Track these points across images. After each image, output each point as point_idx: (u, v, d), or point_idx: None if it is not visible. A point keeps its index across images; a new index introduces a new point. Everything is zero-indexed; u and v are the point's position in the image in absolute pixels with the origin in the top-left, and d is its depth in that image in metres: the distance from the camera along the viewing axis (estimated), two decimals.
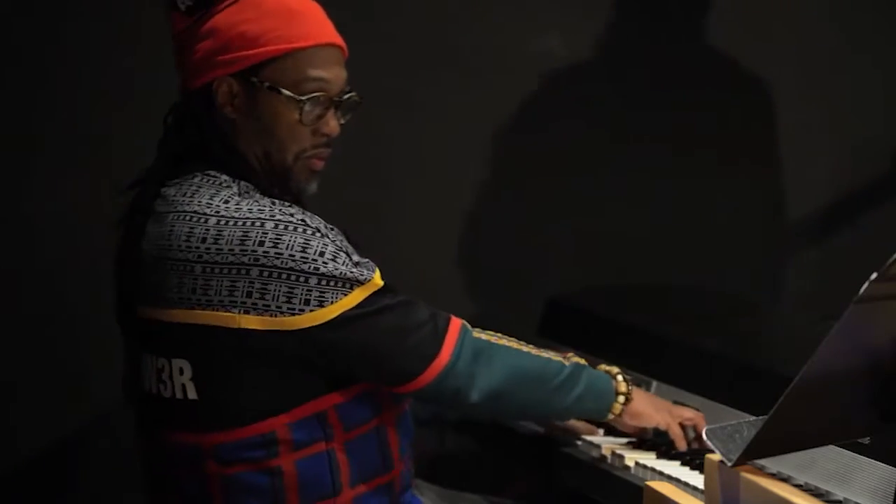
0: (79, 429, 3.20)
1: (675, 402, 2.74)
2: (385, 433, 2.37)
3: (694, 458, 2.57)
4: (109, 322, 3.17)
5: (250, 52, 2.33)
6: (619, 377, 2.54)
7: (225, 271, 2.24)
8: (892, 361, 1.86)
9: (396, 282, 2.37)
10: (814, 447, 2.16)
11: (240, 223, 2.25)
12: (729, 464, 1.91)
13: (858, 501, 2.23)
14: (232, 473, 2.31)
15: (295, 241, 2.24)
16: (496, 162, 3.67)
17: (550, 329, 3.13)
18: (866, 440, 2.23)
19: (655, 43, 3.75)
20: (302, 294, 2.24)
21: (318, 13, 2.41)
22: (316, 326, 2.25)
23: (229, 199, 2.29)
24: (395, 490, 2.40)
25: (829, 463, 2.26)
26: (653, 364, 2.83)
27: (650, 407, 2.58)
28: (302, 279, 2.24)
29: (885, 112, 3.90)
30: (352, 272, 2.26)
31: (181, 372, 2.30)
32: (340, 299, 2.25)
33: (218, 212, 2.27)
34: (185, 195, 2.32)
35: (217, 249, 2.25)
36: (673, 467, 2.55)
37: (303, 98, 2.34)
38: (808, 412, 1.88)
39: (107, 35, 3.14)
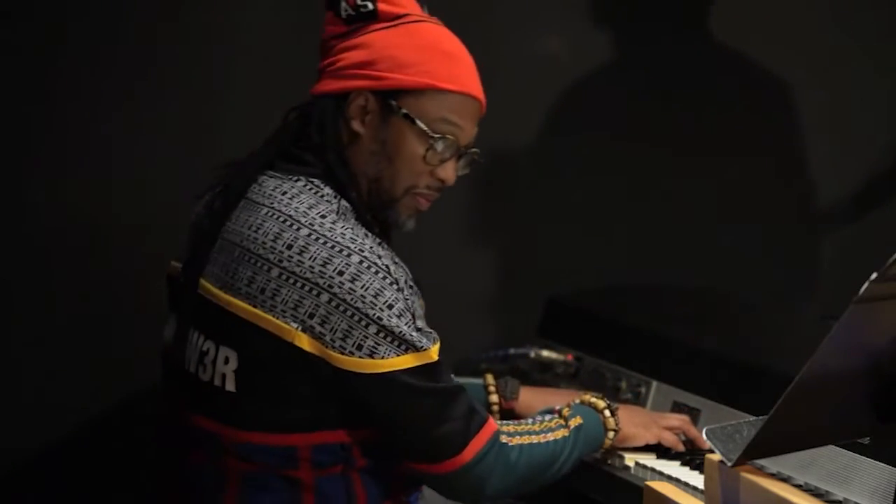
0: (79, 430, 3.20)
1: (675, 403, 2.75)
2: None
3: (694, 458, 2.57)
4: (110, 323, 3.18)
5: (397, 75, 2.34)
6: (606, 412, 2.53)
7: (298, 284, 2.23)
8: (892, 361, 1.87)
9: None
10: (814, 447, 2.16)
11: (328, 245, 2.25)
12: (729, 464, 1.92)
13: (858, 501, 2.23)
14: (250, 470, 2.31)
15: (371, 284, 2.23)
16: (495, 161, 3.67)
17: (550, 329, 3.13)
18: (866, 440, 2.23)
19: (656, 43, 3.75)
20: (358, 337, 2.23)
21: (470, 63, 2.42)
22: (358, 373, 2.24)
23: (326, 214, 2.28)
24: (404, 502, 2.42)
25: (829, 463, 2.26)
26: (653, 364, 2.83)
27: (639, 427, 2.60)
28: (363, 323, 2.23)
29: (888, 109, 3.91)
30: (411, 335, 2.25)
31: (226, 361, 2.29)
32: (391, 357, 2.24)
33: (311, 224, 2.27)
34: (284, 194, 2.31)
35: (299, 261, 2.24)
36: (673, 467, 2.56)
37: (434, 136, 2.35)
38: (808, 412, 1.88)
39: (107, 35, 3.14)
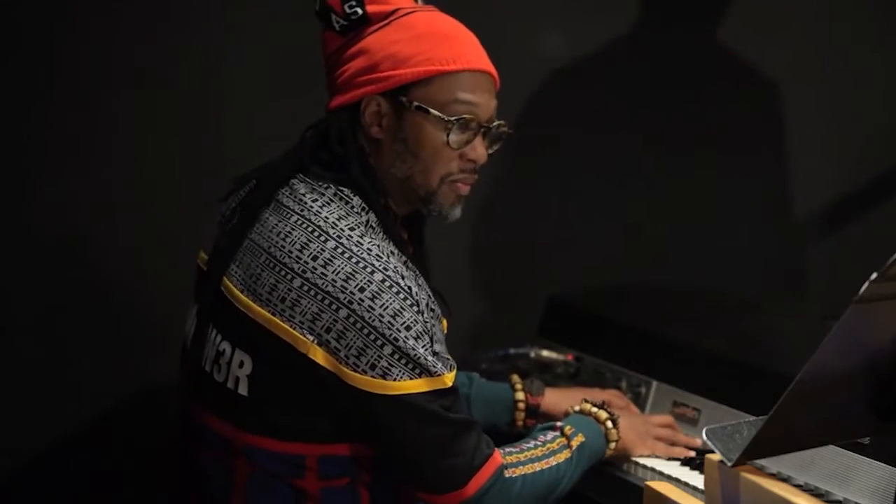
0: (80, 430, 3.20)
1: (675, 403, 2.75)
2: None
3: (694, 458, 2.58)
4: (111, 322, 3.18)
5: (400, 71, 2.32)
6: (609, 423, 2.53)
7: (319, 297, 2.23)
8: (892, 361, 1.87)
9: None
10: (814, 447, 2.16)
11: (353, 260, 2.24)
12: (729, 464, 1.92)
13: (858, 501, 2.23)
14: (259, 473, 2.31)
15: (391, 304, 2.22)
16: (496, 162, 3.66)
17: (550, 329, 3.13)
18: (866, 440, 2.23)
19: (656, 41, 3.75)
20: (372, 356, 2.22)
21: (472, 40, 2.40)
22: (369, 392, 2.23)
23: (355, 227, 2.29)
24: None
25: (829, 463, 2.26)
26: (653, 364, 2.83)
27: (634, 434, 2.60)
28: (379, 343, 2.22)
29: (886, 105, 3.91)
30: (426, 359, 2.24)
31: (241, 364, 2.29)
32: (404, 380, 2.23)
33: (339, 237, 2.27)
34: (315, 201, 2.31)
35: (322, 273, 2.24)
36: (673, 467, 2.56)
37: (451, 119, 2.33)
38: (808, 412, 1.88)
39: (106, 34, 3.14)
